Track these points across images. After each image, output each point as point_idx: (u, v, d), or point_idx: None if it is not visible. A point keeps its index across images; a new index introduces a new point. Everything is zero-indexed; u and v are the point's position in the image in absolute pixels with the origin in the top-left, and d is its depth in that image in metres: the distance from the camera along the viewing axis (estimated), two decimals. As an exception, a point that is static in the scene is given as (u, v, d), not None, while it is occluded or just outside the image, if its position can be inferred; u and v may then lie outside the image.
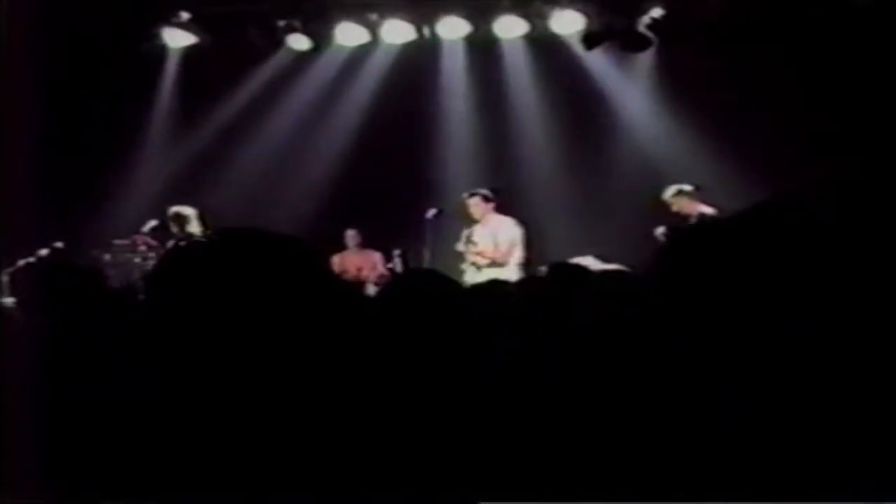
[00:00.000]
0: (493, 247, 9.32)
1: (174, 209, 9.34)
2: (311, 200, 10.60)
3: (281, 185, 10.82)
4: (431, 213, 9.52)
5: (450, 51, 10.87)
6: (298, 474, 1.32)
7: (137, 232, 9.51)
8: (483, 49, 10.74)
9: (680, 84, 10.07)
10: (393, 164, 10.46)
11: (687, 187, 8.82)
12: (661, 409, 1.34)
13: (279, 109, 11.11)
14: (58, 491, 1.35)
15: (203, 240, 1.47)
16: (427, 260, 9.19)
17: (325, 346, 1.41)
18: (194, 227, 9.22)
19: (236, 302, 1.37)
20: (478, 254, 9.30)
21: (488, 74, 10.82)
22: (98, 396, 1.46)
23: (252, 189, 10.76)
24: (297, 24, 10.54)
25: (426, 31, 10.58)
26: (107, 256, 9.38)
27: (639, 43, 9.98)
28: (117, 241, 9.57)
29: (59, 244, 9.09)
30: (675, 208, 8.74)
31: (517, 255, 9.35)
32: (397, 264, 9.80)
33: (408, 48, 10.73)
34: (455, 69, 10.91)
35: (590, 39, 10.11)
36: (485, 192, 9.56)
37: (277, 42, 10.76)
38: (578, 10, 10.05)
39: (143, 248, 9.46)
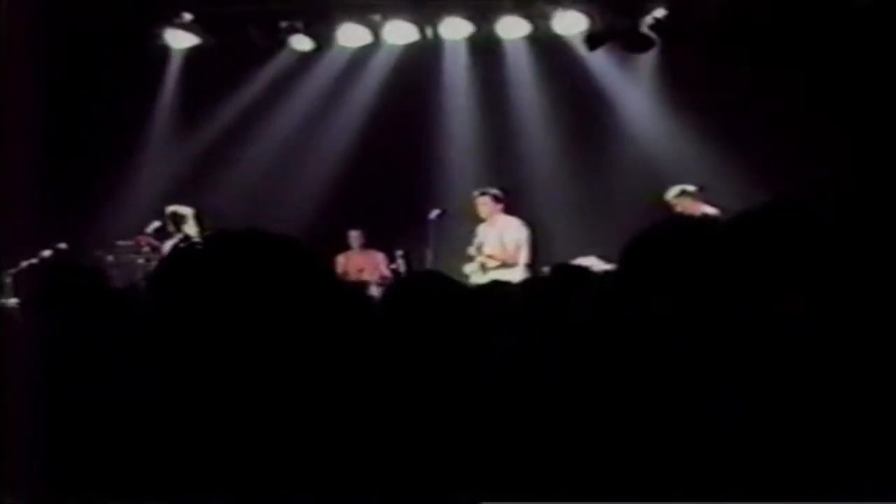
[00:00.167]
0: (500, 248, 9.31)
1: (171, 208, 9.37)
2: (314, 201, 10.60)
3: (284, 186, 10.82)
4: (434, 213, 9.52)
5: (452, 51, 10.87)
6: (299, 475, 1.32)
7: (140, 232, 9.53)
8: (485, 50, 10.73)
9: (682, 84, 10.06)
10: (396, 164, 10.46)
11: (690, 188, 8.82)
12: (659, 409, 1.35)
13: (282, 110, 11.11)
14: (63, 491, 1.35)
15: (204, 241, 1.48)
16: (430, 260, 9.20)
17: (325, 346, 1.41)
18: (191, 227, 9.24)
19: (237, 303, 1.38)
20: (489, 256, 9.29)
21: (491, 75, 10.82)
22: (101, 397, 1.46)
23: (255, 189, 10.76)
24: (299, 24, 10.54)
25: (429, 31, 10.58)
26: (110, 257, 9.39)
27: (641, 43, 9.97)
28: (120, 242, 9.59)
29: (62, 245, 9.10)
30: (678, 209, 8.73)
31: (524, 256, 9.35)
32: (400, 265, 9.80)
33: (410, 49, 10.73)
34: (457, 70, 10.91)
35: (592, 40, 10.11)
36: (495, 191, 9.55)
37: (280, 43, 10.77)
38: (581, 10, 10.04)
39: (146, 248, 9.48)
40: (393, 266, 9.92)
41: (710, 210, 8.48)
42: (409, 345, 2.45)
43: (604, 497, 1.32)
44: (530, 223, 9.56)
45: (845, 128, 9.21)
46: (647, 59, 10.36)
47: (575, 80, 10.52)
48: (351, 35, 10.60)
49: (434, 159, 10.72)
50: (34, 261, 8.63)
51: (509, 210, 9.57)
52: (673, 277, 1.62)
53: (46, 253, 8.92)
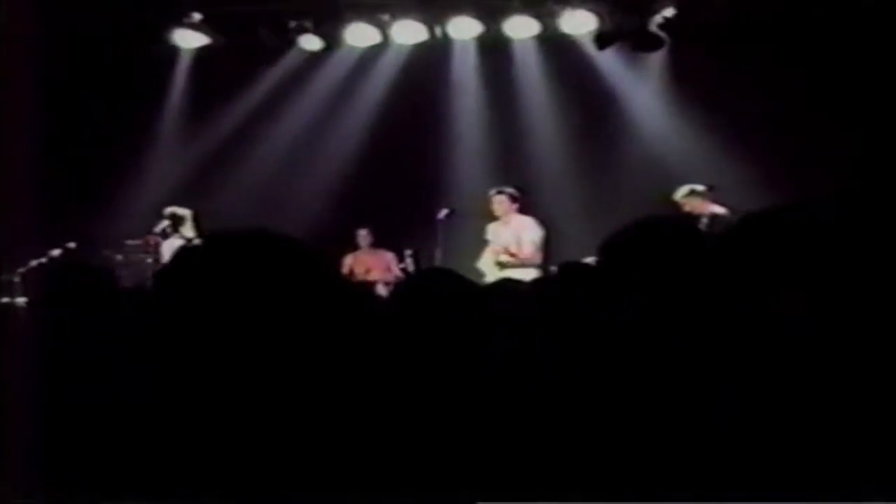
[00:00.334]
0: (516, 247, 9.29)
1: (169, 210, 9.41)
2: (323, 200, 10.61)
3: (292, 186, 10.83)
4: (443, 212, 9.52)
5: (461, 51, 10.87)
6: (299, 474, 1.32)
7: (149, 232, 9.55)
8: (494, 49, 10.72)
9: (692, 84, 10.04)
10: (404, 164, 10.46)
11: (699, 187, 8.79)
12: (660, 409, 1.34)
13: (291, 110, 11.12)
14: (63, 491, 1.35)
15: (208, 241, 1.47)
16: (439, 260, 9.20)
17: (329, 347, 1.41)
18: (189, 228, 9.26)
19: (239, 303, 1.37)
20: (512, 255, 9.25)
21: (499, 74, 10.81)
22: (108, 396, 1.46)
23: (263, 189, 10.77)
24: (308, 24, 10.55)
25: (437, 31, 10.58)
26: (119, 256, 9.42)
27: (651, 43, 9.95)
28: (129, 242, 9.61)
29: (71, 244, 9.12)
30: (686, 208, 8.72)
31: (540, 256, 9.34)
32: (409, 264, 9.80)
33: (419, 48, 10.73)
34: (466, 69, 10.90)
35: (601, 39, 10.09)
36: (511, 190, 9.52)
37: (289, 42, 10.78)
38: (590, 10, 10.03)
39: (154, 248, 9.49)
40: (402, 265, 9.92)
41: (719, 209, 8.46)
42: (414, 343, 2.45)
43: (604, 497, 1.32)
44: (544, 222, 9.54)
45: (856, 127, 9.18)
46: (657, 59, 10.34)
47: (584, 79, 10.51)
48: (360, 35, 10.61)
49: (443, 158, 10.71)
50: (43, 260, 8.66)
51: (523, 209, 9.55)
52: (672, 277, 1.62)
53: (55, 252, 8.94)
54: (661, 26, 9.76)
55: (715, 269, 1.30)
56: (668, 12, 9.66)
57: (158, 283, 1.45)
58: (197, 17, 10.55)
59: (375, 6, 10.46)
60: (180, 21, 10.58)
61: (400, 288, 3.10)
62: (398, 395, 1.57)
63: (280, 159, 11.04)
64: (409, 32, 10.55)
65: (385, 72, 10.97)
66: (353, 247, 10.16)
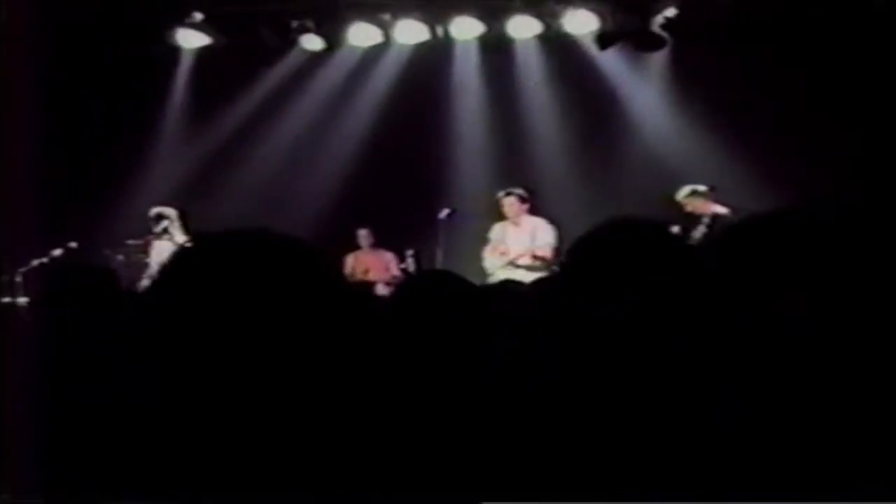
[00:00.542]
0: (529, 248, 9.24)
1: (155, 210, 9.41)
2: (324, 200, 10.61)
3: (294, 185, 10.84)
4: (444, 213, 9.50)
5: (463, 51, 10.87)
6: (299, 475, 1.32)
7: (150, 232, 9.54)
8: (496, 49, 10.73)
9: (694, 84, 10.05)
10: (406, 164, 10.46)
11: (701, 187, 8.78)
12: (660, 409, 1.34)
13: (292, 110, 11.13)
14: (64, 491, 1.35)
15: (208, 241, 1.47)
16: (440, 260, 9.18)
17: (331, 347, 1.40)
18: (175, 228, 9.26)
19: (243, 304, 1.37)
20: (539, 258, 9.17)
21: (501, 74, 10.82)
22: (109, 396, 1.46)
23: (265, 189, 10.78)
24: (310, 24, 10.56)
25: (439, 31, 10.58)
26: (120, 256, 9.41)
27: (652, 43, 9.95)
28: (130, 241, 9.60)
29: (72, 244, 9.12)
30: (688, 208, 8.70)
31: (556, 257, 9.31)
32: (410, 264, 9.79)
33: (421, 48, 10.73)
34: (468, 69, 10.91)
35: (603, 39, 10.09)
36: (521, 191, 9.47)
37: (291, 42, 10.78)
38: (592, 10, 10.03)
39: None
40: (403, 266, 9.91)
41: (722, 209, 8.45)
42: (415, 344, 2.45)
43: (605, 497, 1.32)
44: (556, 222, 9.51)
45: (857, 127, 9.18)
46: (658, 59, 10.34)
47: (586, 79, 10.51)
48: (361, 35, 10.61)
49: (444, 158, 10.71)
50: (44, 260, 8.66)
51: (533, 210, 9.51)
52: (672, 278, 1.62)
53: (57, 252, 8.94)
54: (662, 26, 9.76)
55: (710, 269, 1.30)
56: (670, 12, 9.66)
57: (159, 283, 1.44)
58: (198, 16, 10.55)
59: (377, 6, 10.46)
60: (182, 21, 10.59)
61: (400, 289, 3.10)
62: (400, 395, 1.57)
63: (281, 159, 11.05)
64: (410, 32, 10.55)
65: (386, 72, 10.97)
66: (354, 247, 10.15)
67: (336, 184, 10.74)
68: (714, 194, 8.71)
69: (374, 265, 10.06)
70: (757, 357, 1.20)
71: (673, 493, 1.25)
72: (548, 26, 10.37)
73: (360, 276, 9.81)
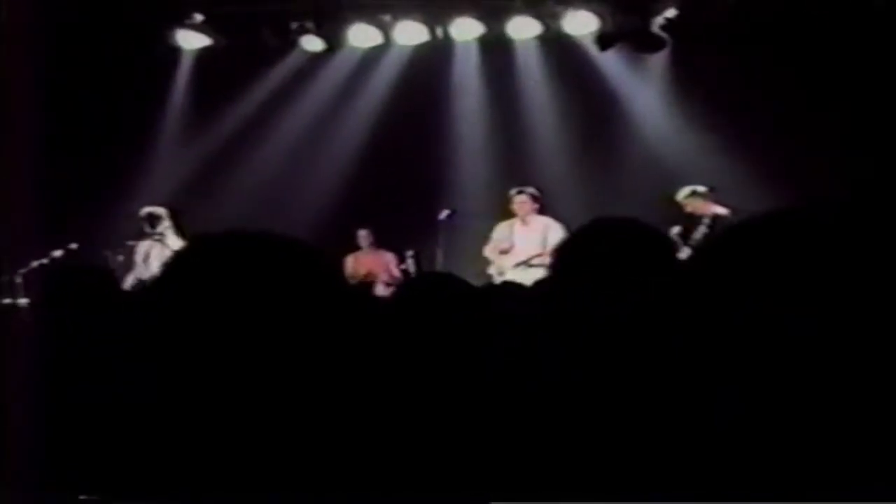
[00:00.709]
0: (541, 248, 9.20)
1: (146, 210, 9.41)
2: (325, 201, 10.61)
3: (294, 186, 10.83)
4: (444, 213, 9.49)
5: (463, 52, 10.87)
6: (301, 475, 1.32)
7: (143, 232, 9.53)
8: (496, 50, 10.73)
9: (694, 84, 10.04)
10: (406, 164, 10.46)
11: (701, 188, 8.78)
12: (661, 409, 1.34)
13: (292, 110, 11.13)
14: (64, 491, 1.35)
15: (211, 241, 1.47)
16: (440, 261, 9.17)
17: (329, 348, 1.41)
18: (166, 227, 9.26)
19: (243, 304, 1.37)
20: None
21: (501, 75, 10.81)
22: (110, 397, 1.46)
23: (265, 190, 10.78)
24: (310, 25, 10.56)
25: (439, 32, 10.58)
26: (120, 257, 9.40)
27: (652, 43, 9.95)
28: (130, 242, 9.60)
29: (73, 245, 9.12)
30: (688, 209, 8.70)
31: None
32: (410, 265, 9.79)
33: (421, 49, 10.73)
34: (468, 70, 10.91)
35: (603, 40, 10.10)
36: (532, 190, 9.45)
37: (291, 43, 10.78)
38: (592, 10, 10.03)
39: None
40: (403, 266, 9.91)
41: (722, 210, 8.45)
42: (415, 345, 2.45)
43: (606, 497, 1.32)
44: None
45: (859, 127, 9.17)
46: (659, 60, 10.34)
47: (586, 80, 10.51)
48: (361, 35, 10.61)
49: (444, 159, 10.71)
50: (45, 261, 8.66)
51: (540, 210, 9.48)
52: (672, 277, 1.62)
53: (57, 253, 8.94)
54: (662, 27, 9.76)
55: (709, 269, 1.30)
56: (670, 13, 9.66)
57: (159, 283, 1.45)
58: (199, 17, 10.55)
59: (377, 7, 10.46)
60: (182, 22, 10.59)
61: (401, 290, 3.10)
62: (400, 395, 1.57)
63: (282, 160, 11.05)
64: (410, 33, 10.55)
65: (387, 73, 10.98)
66: (354, 247, 10.14)
67: (336, 184, 10.74)
68: (714, 195, 8.71)
69: (374, 266, 10.06)
70: (757, 357, 1.20)
71: (673, 493, 1.25)
72: (547, 27, 10.36)
73: (360, 276, 9.80)
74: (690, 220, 8.51)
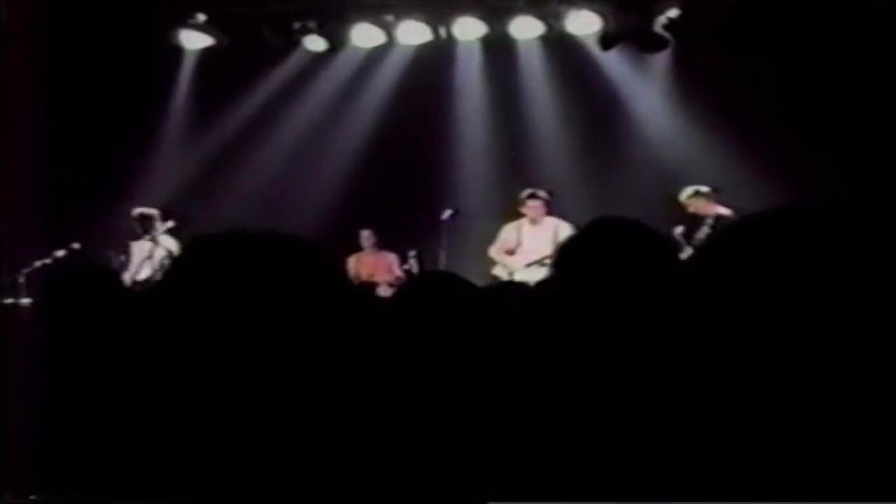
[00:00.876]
0: (552, 248, 9.13)
1: (138, 210, 9.43)
2: (327, 201, 10.61)
3: (297, 186, 10.84)
4: (447, 213, 9.48)
5: (465, 52, 10.87)
6: (301, 475, 1.32)
7: (134, 233, 9.54)
8: (499, 50, 10.72)
9: (696, 84, 10.03)
10: (408, 164, 10.46)
11: (704, 189, 8.77)
12: (661, 409, 1.34)
13: (295, 111, 11.13)
14: (64, 491, 1.36)
15: (214, 241, 1.47)
16: (443, 261, 9.17)
17: (331, 348, 1.41)
18: (159, 228, 9.27)
19: (246, 304, 1.37)
20: None
21: (504, 75, 10.81)
22: (111, 397, 1.46)
23: (268, 190, 10.78)
24: (312, 25, 10.56)
25: (442, 32, 10.58)
26: (122, 257, 9.41)
27: (655, 43, 9.94)
28: (133, 242, 9.60)
29: (75, 245, 9.12)
30: (691, 210, 8.70)
31: None
32: (413, 265, 9.79)
33: (423, 49, 10.73)
34: (471, 70, 10.91)
35: (606, 40, 10.09)
36: (544, 193, 9.43)
37: (293, 43, 10.78)
38: (594, 10, 10.03)
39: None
40: (405, 266, 9.91)
41: (724, 211, 8.44)
42: (417, 345, 2.45)
43: (606, 497, 1.32)
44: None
45: (862, 127, 9.17)
46: (661, 60, 10.33)
47: (588, 80, 10.50)
48: (364, 35, 10.61)
49: (447, 159, 10.71)
50: (47, 260, 8.67)
51: (551, 212, 9.45)
52: (672, 277, 1.62)
53: (59, 253, 8.95)
54: (665, 27, 9.75)
55: (709, 269, 1.30)
56: (673, 13, 9.65)
57: (161, 283, 1.45)
58: (201, 17, 10.56)
59: (380, 7, 10.46)
60: (184, 22, 10.60)
61: (403, 290, 3.11)
62: (402, 395, 1.57)
63: (284, 160, 11.05)
64: (413, 33, 10.55)
65: (389, 73, 10.98)
66: (357, 248, 10.14)
67: (339, 184, 10.74)
68: (717, 195, 8.70)
69: (376, 266, 10.06)
70: (757, 357, 1.20)
71: (673, 493, 1.24)
72: (550, 27, 10.36)
73: (362, 277, 9.81)
74: (693, 221, 8.50)
